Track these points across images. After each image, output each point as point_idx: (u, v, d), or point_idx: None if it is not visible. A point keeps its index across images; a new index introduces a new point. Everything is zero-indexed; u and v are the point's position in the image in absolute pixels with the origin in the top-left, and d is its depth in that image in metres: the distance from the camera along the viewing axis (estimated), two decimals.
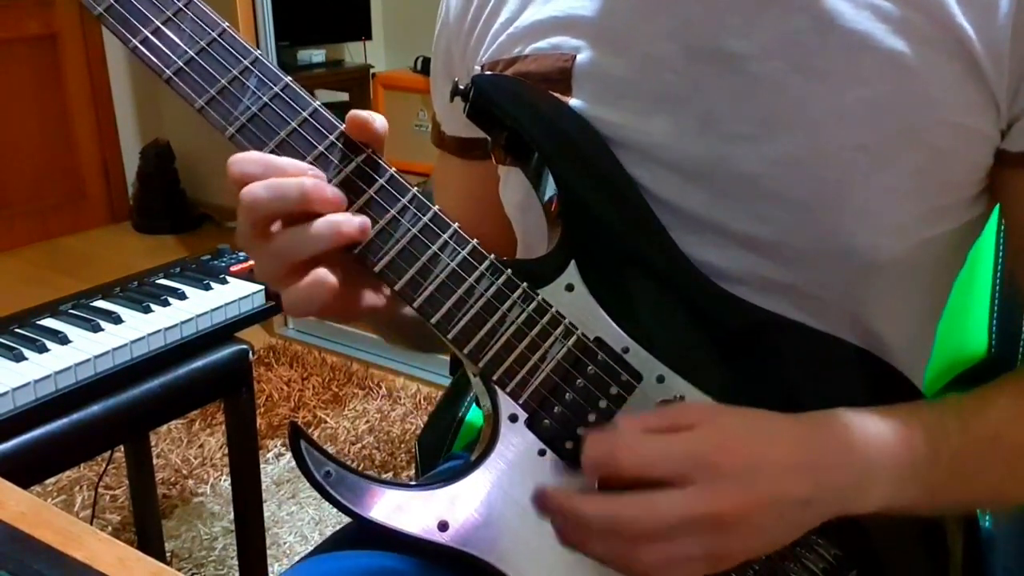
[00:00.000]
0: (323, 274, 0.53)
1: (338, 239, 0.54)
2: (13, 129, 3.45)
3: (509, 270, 0.58)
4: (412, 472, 2.12)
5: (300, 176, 0.54)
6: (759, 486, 0.52)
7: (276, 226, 0.54)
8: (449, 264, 0.57)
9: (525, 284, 0.58)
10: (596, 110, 0.62)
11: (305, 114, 0.56)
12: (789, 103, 0.58)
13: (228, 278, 1.38)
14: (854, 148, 0.58)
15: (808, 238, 0.59)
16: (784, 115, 0.59)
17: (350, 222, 0.54)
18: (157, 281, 1.37)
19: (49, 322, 1.23)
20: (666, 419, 0.55)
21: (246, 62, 0.55)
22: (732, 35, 0.59)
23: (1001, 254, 0.81)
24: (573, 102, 0.63)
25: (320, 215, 0.53)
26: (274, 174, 0.53)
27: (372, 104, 3.40)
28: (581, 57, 0.63)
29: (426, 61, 3.06)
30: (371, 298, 0.60)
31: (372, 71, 3.61)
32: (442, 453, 0.93)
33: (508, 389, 0.58)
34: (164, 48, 0.54)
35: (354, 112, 0.56)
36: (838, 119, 0.58)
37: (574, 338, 0.58)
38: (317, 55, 3.52)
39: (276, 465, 2.10)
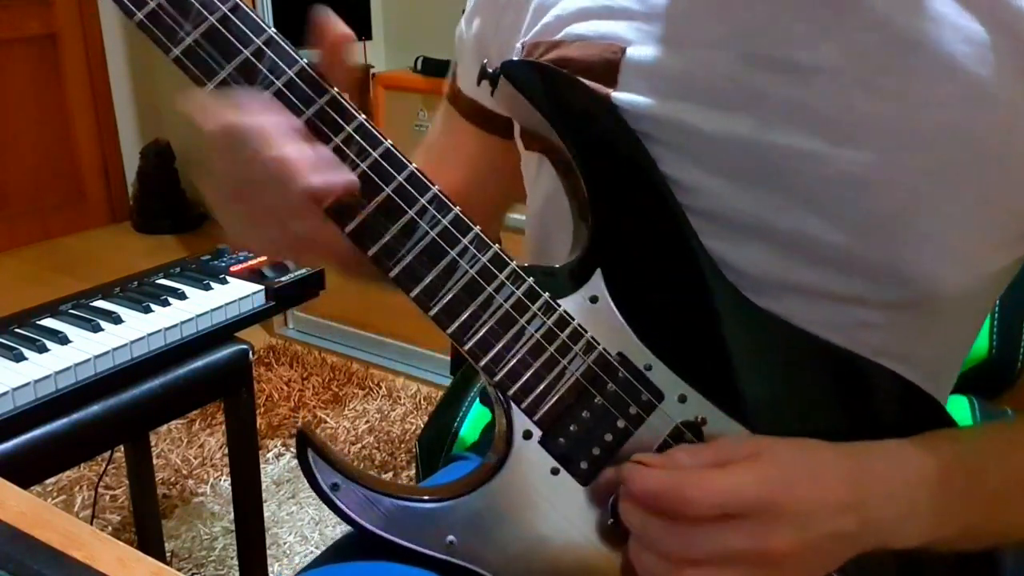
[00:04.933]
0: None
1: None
2: (13, 129, 3.44)
3: (531, 279, 0.55)
4: (412, 472, 2.12)
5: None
6: (814, 527, 0.51)
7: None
8: (468, 272, 0.54)
9: (547, 295, 0.55)
10: (644, 106, 0.59)
11: (321, 102, 0.53)
12: (856, 120, 0.55)
13: (228, 278, 1.38)
14: (923, 172, 0.55)
15: (862, 259, 0.57)
16: (849, 132, 0.56)
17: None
18: (157, 281, 1.37)
19: (49, 322, 1.23)
20: (722, 453, 0.53)
21: (259, 42, 0.52)
22: (799, 45, 0.56)
23: None
24: (618, 95, 0.59)
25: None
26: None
27: (372, 104, 3.39)
28: (632, 51, 0.59)
29: (426, 61, 3.05)
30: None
31: (372, 71, 3.60)
32: (442, 453, 0.93)
33: (523, 405, 0.56)
34: (171, 24, 0.51)
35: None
36: (909, 141, 0.55)
37: (595, 353, 0.56)
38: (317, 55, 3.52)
39: (276, 465, 2.10)
